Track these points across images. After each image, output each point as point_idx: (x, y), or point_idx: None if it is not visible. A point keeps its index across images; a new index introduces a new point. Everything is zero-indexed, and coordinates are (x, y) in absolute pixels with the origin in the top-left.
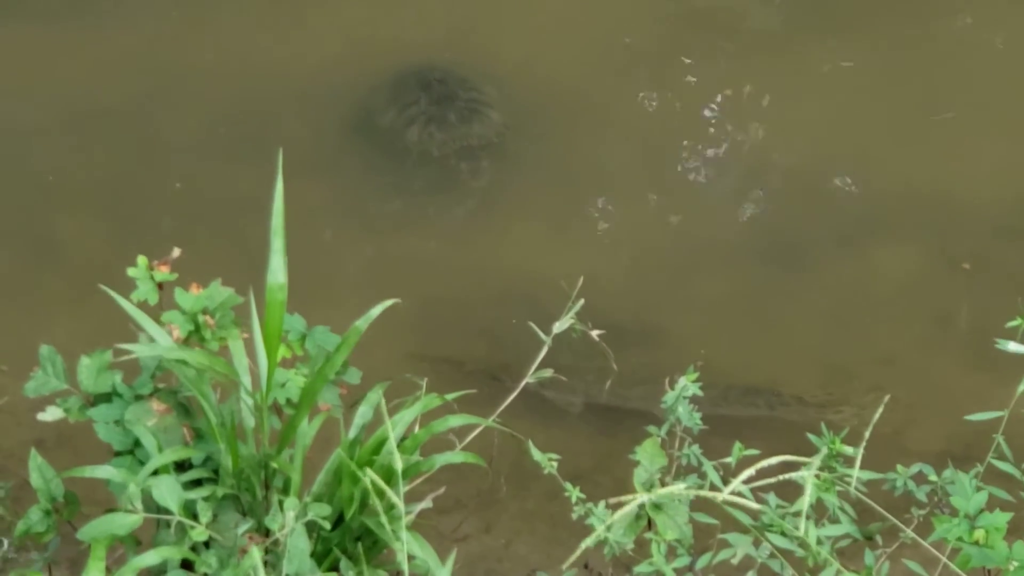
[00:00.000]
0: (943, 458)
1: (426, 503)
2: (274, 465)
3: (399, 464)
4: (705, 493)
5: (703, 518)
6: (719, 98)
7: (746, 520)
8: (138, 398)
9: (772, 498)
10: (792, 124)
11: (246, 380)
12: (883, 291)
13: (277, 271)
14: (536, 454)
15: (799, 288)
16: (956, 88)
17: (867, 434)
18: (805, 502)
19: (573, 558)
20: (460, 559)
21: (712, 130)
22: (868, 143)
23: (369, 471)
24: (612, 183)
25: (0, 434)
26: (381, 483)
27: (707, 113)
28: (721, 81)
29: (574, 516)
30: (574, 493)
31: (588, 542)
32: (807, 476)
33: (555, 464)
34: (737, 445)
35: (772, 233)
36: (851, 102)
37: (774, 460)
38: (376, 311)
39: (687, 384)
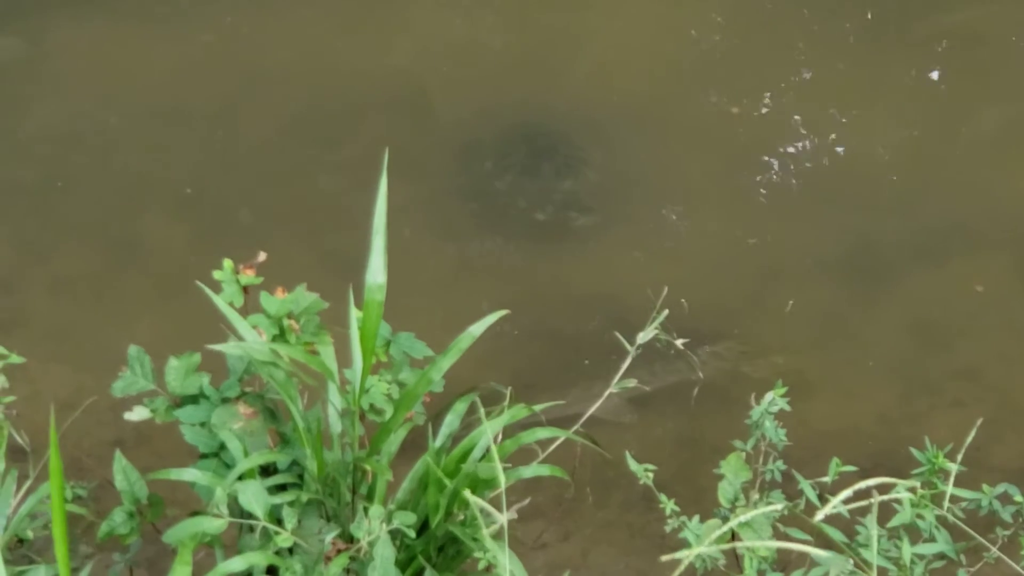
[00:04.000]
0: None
1: (511, 514)
2: (363, 470)
3: (502, 476)
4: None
5: (798, 534)
6: (800, 109)
7: (839, 536)
8: (225, 401)
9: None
10: (873, 134)
11: (335, 383)
12: (965, 305)
13: (377, 271)
14: (633, 464)
15: (880, 301)
16: None
17: (964, 448)
18: (905, 516)
19: (676, 574)
20: (539, 567)
21: (793, 141)
22: (950, 155)
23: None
24: (691, 194)
25: (81, 434)
26: (474, 499)
27: (790, 123)
28: (804, 91)
29: (667, 528)
30: (669, 505)
31: (690, 556)
32: (904, 492)
33: (651, 475)
34: (835, 461)
35: (853, 245)
36: (934, 113)
37: (873, 482)
38: (491, 319)
39: (774, 398)
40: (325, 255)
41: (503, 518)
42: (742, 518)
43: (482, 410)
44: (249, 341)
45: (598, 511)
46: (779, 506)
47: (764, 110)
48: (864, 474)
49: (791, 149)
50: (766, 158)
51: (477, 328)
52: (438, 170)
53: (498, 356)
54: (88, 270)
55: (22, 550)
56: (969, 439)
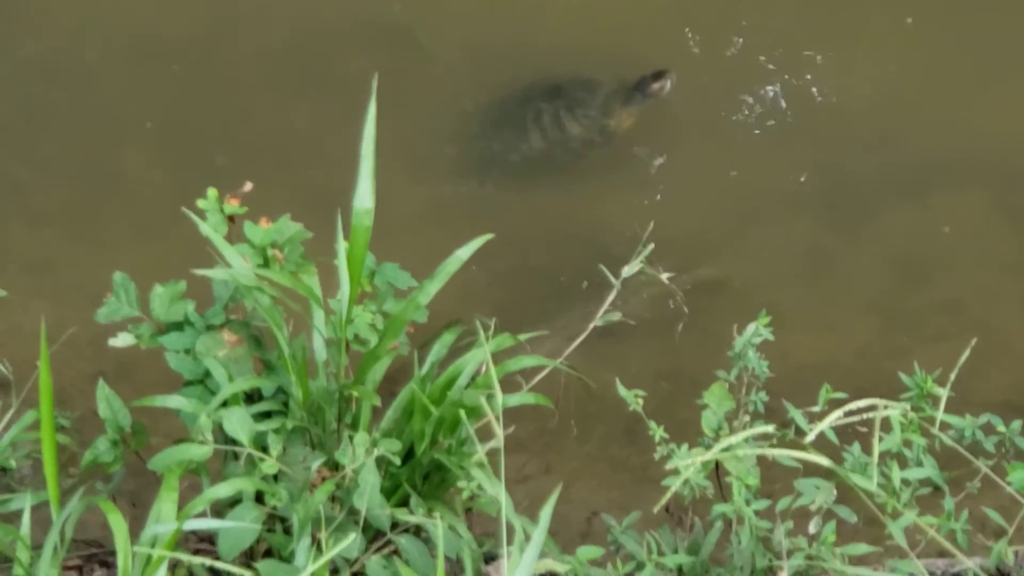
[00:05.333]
0: (1005, 409)
1: (496, 442)
2: (348, 398)
3: (499, 396)
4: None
5: (787, 460)
6: (780, 50)
7: (827, 463)
8: (210, 328)
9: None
10: (852, 74)
11: (321, 311)
12: (945, 241)
13: (364, 195)
14: (623, 390)
15: (860, 236)
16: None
17: (953, 376)
18: (894, 440)
19: (663, 502)
20: (521, 500)
21: (773, 82)
22: (929, 95)
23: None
24: (672, 134)
25: (61, 366)
26: (465, 420)
27: (769, 66)
28: (781, 32)
29: (656, 456)
30: (658, 432)
31: (676, 484)
32: (894, 415)
33: (640, 401)
34: (825, 387)
35: (834, 183)
36: (912, 56)
37: (864, 403)
38: (478, 242)
39: (758, 328)
40: (306, 190)
41: (498, 435)
42: (733, 439)
43: (481, 334)
44: (236, 267)
45: (580, 444)
46: (768, 427)
47: (744, 51)
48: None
49: (771, 89)
50: (747, 98)
51: (464, 252)
52: (416, 111)
53: (481, 293)
54: (67, 205)
55: (5, 479)
56: (960, 363)
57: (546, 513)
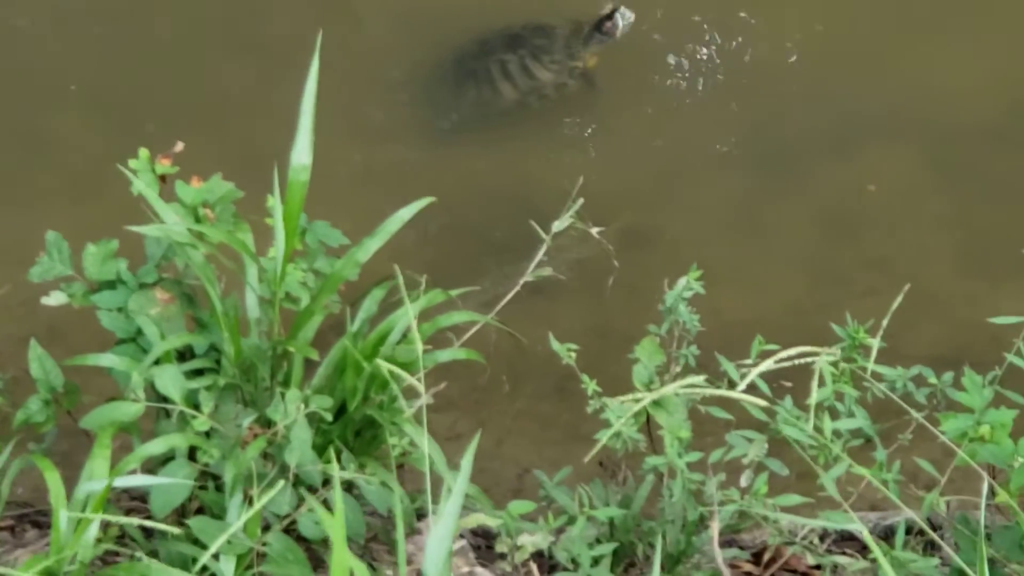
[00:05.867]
0: (936, 363)
1: (427, 398)
2: (281, 355)
3: (420, 348)
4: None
5: (719, 413)
6: (712, 10)
7: (760, 415)
8: (142, 286)
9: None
10: (779, 33)
11: (255, 267)
12: (875, 196)
13: (302, 151)
14: (555, 344)
15: (788, 193)
16: None
17: (885, 323)
18: (827, 390)
19: (593, 453)
20: (453, 457)
21: (706, 41)
22: (857, 51)
23: (385, 364)
24: (600, 96)
25: None
26: (397, 370)
27: (695, 18)
28: None
29: (589, 410)
30: (591, 386)
31: (607, 437)
32: (823, 364)
33: (573, 355)
34: (757, 339)
35: (765, 141)
36: (840, 12)
37: (794, 351)
38: (420, 204)
39: (689, 282)
40: (237, 151)
41: (422, 399)
42: (664, 389)
43: (405, 292)
44: (169, 223)
45: (511, 402)
46: (699, 378)
47: (678, 9)
48: (777, 362)
49: (698, 49)
50: (680, 58)
51: (406, 212)
52: (348, 75)
53: (413, 252)
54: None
55: None
56: (891, 312)
57: (467, 462)
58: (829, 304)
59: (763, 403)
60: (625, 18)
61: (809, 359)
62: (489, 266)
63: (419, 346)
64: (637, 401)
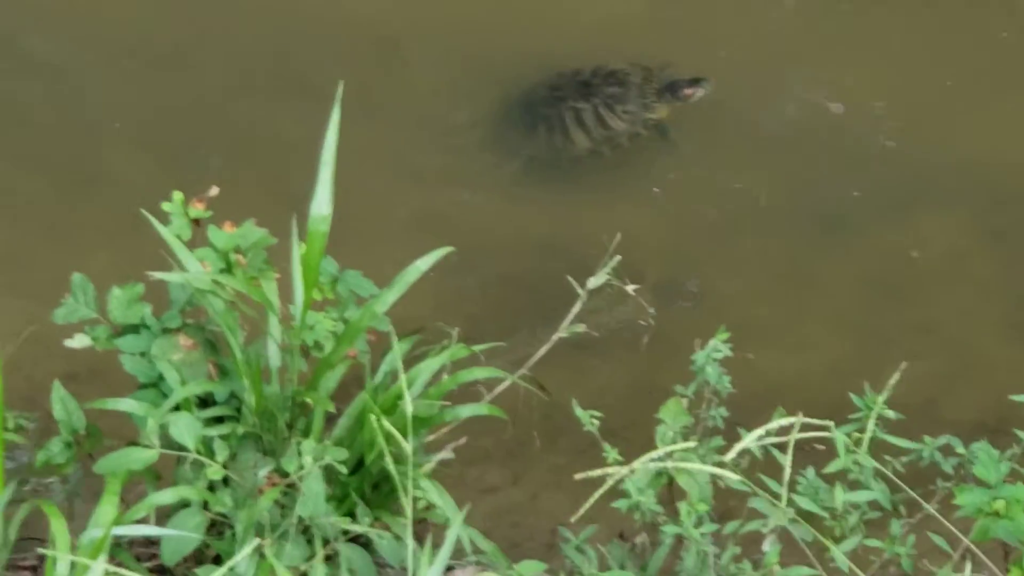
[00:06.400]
0: (977, 430)
1: (446, 453)
2: (301, 404)
3: (409, 409)
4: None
5: (735, 484)
6: (778, 64)
7: (776, 486)
8: (165, 331)
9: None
10: (838, 89)
11: (276, 316)
12: (924, 259)
13: (322, 202)
14: (578, 411)
15: (838, 252)
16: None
17: (883, 395)
18: (840, 462)
19: (582, 510)
20: (486, 511)
21: (756, 91)
22: (915, 112)
23: (382, 419)
24: (675, 147)
25: (31, 365)
26: (391, 428)
27: (751, 76)
28: (767, 34)
29: (608, 480)
30: (611, 454)
31: (625, 506)
32: (839, 436)
33: (596, 423)
34: (779, 410)
35: (812, 197)
36: (901, 65)
37: (790, 420)
38: (438, 254)
39: (718, 344)
40: (282, 196)
41: (440, 455)
42: (652, 454)
43: (455, 345)
44: (191, 271)
45: (548, 456)
46: (690, 444)
47: (742, 61)
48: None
49: (752, 106)
50: (728, 113)
51: (423, 263)
52: (406, 119)
53: (455, 302)
54: (44, 202)
55: None
56: (892, 381)
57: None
58: (873, 366)
59: (736, 477)
60: (706, 90)
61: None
62: (531, 320)
63: (408, 404)
64: (659, 464)
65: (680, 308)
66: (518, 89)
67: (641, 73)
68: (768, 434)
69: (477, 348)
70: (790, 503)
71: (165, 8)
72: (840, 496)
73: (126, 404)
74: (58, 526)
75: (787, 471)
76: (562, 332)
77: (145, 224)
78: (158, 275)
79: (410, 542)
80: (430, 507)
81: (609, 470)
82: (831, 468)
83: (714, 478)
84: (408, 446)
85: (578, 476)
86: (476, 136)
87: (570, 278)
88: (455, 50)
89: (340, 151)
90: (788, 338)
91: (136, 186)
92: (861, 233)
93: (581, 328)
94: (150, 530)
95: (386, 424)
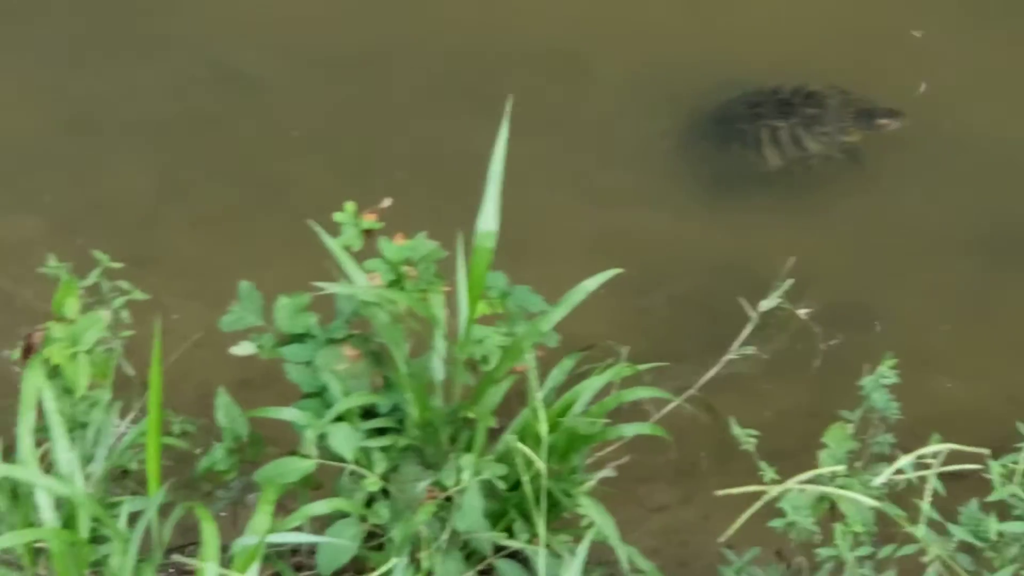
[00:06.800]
0: None
1: (609, 471)
2: (464, 419)
3: (544, 429)
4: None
5: (892, 509)
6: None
7: (934, 514)
8: (331, 342)
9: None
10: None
11: (441, 331)
12: None
13: (489, 218)
14: (736, 429)
15: (1020, 282)
16: None
17: None
18: (1000, 493)
19: (732, 529)
20: (656, 529)
21: (946, 114)
22: None
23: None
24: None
25: (206, 371)
26: (529, 452)
27: (941, 98)
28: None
29: (764, 499)
30: (768, 473)
31: (781, 524)
32: (994, 466)
33: (754, 442)
34: (934, 437)
35: (999, 222)
36: None
37: (935, 448)
38: (606, 275)
39: (885, 371)
40: (459, 210)
41: (601, 473)
42: (814, 473)
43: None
44: (357, 282)
45: (719, 476)
46: (838, 468)
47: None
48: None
49: (953, 134)
50: (927, 136)
51: (591, 283)
52: (587, 134)
53: (629, 321)
54: (228, 209)
55: (126, 481)
56: None
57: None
58: None
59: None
60: (901, 124)
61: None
62: (703, 341)
63: (544, 423)
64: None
65: (853, 333)
66: (712, 103)
67: (839, 96)
68: (920, 460)
69: (642, 367)
70: (947, 532)
71: (353, 20)
72: (994, 527)
73: (287, 414)
74: (208, 530)
75: (927, 497)
76: (732, 354)
77: (324, 234)
78: (322, 285)
79: (567, 559)
80: (592, 524)
81: (760, 488)
82: (991, 498)
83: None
84: (541, 465)
85: (719, 492)
86: (659, 152)
87: (742, 300)
88: (637, 65)
89: (520, 167)
90: (963, 367)
91: (316, 195)
92: None
93: (752, 350)
94: (303, 538)
95: (523, 449)
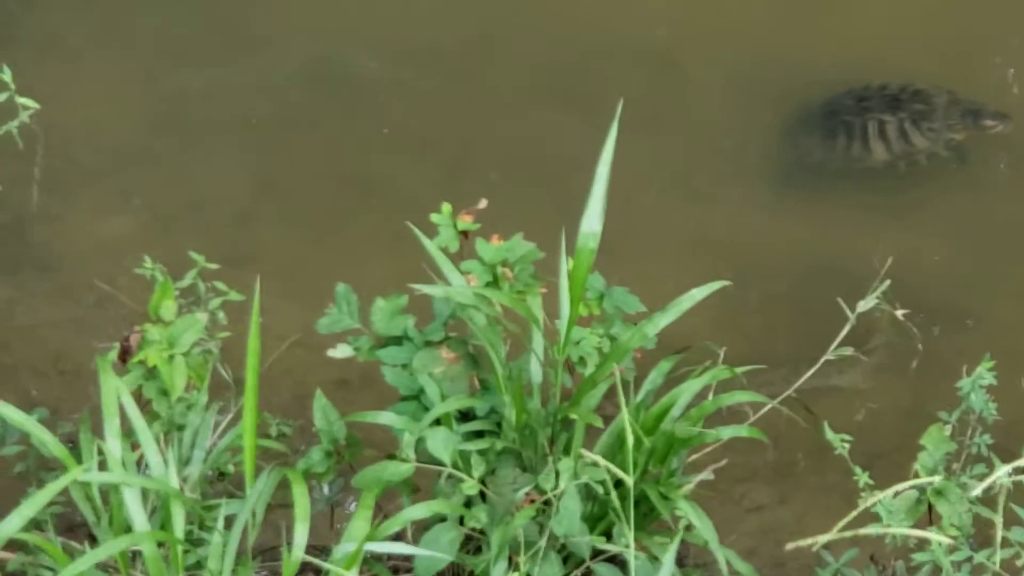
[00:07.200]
0: None
1: (707, 474)
2: (562, 421)
3: (631, 440)
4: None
5: (988, 512)
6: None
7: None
8: (428, 344)
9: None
10: None
11: (540, 332)
12: None
13: (593, 218)
14: (829, 434)
15: None
16: None
17: None
18: None
19: (824, 538)
20: (752, 529)
21: None
22: None
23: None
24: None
25: (305, 371)
26: (613, 467)
27: None
28: None
29: (859, 503)
30: (863, 478)
31: (851, 516)
32: None
33: (847, 446)
34: None
35: None
36: None
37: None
38: (714, 286)
39: (983, 372)
40: (556, 211)
41: (687, 477)
42: (919, 482)
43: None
44: (455, 284)
45: (815, 476)
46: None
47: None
48: None
49: None
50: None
51: (699, 292)
52: (691, 134)
53: (726, 320)
54: (324, 208)
55: (223, 484)
56: None
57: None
58: None
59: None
60: (1006, 127)
61: None
62: (800, 341)
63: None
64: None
65: (950, 333)
66: (819, 99)
67: (947, 95)
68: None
69: (740, 370)
70: None
71: (446, 15)
72: None
73: (385, 417)
74: (299, 491)
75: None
76: (829, 355)
77: (419, 235)
78: (420, 287)
79: (666, 563)
80: (689, 527)
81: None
82: None
83: (972, 504)
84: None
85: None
86: (759, 152)
87: (840, 300)
88: (736, 64)
89: (617, 168)
90: None
91: (411, 195)
92: None
93: (848, 351)
94: (400, 548)
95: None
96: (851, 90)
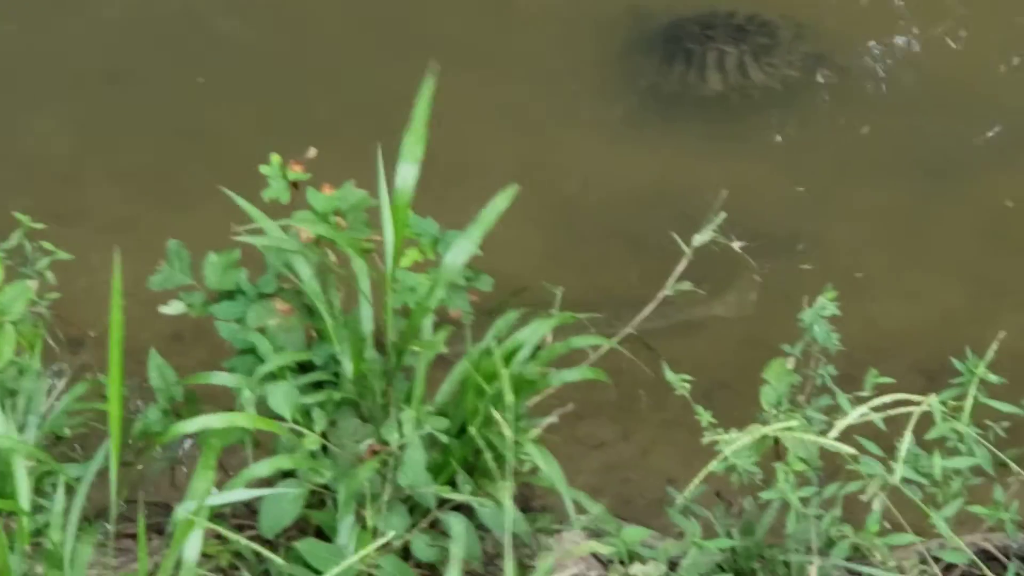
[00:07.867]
0: None
1: (552, 418)
2: (400, 365)
3: (506, 375)
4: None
5: (836, 446)
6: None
7: (876, 449)
8: (261, 297)
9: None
10: (957, 32)
11: (367, 281)
12: None
13: (409, 159)
14: (669, 375)
15: (953, 201)
16: None
17: (984, 362)
18: (939, 429)
19: (692, 485)
20: (595, 466)
21: (879, 42)
22: None
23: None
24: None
25: (137, 327)
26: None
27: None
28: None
29: (703, 441)
30: (704, 417)
31: (712, 467)
32: (934, 404)
33: (688, 387)
34: (871, 372)
35: (927, 145)
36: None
37: (889, 397)
38: (508, 196)
39: (825, 302)
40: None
41: (533, 421)
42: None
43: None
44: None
45: (658, 412)
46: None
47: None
48: (928, 375)
49: (869, 57)
50: (865, 57)
51: (501, 201)
52: (521, 65)
53: (559, 257)
54: (150, 162)
55: (60, 447)
56: (992, 348)
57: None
58: (986, 315)
59: (849, 450)
60: (843, 81)
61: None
62: (636, 275)
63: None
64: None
65: (788, 262)
66: (665, 20)
67: (794, 29)
68: (871, 409)
69: (583, 316)
70: (890, 469)
71: None
72: (938, 464)
73: (220, 378)
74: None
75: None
76: (667, 291)
77: (249, 184)
78: (247, 239)
79: (509, 509)
80: (535, 471)
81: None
82: (931, 435)
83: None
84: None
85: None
86: (593, 77)
87: (674, 234)
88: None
89: (449, 104)
90: (900, 287)
91: (239, 145)
92: (975, 181)
93: (687, 285)
94: (244, 494)
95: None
96: (697, 15)
